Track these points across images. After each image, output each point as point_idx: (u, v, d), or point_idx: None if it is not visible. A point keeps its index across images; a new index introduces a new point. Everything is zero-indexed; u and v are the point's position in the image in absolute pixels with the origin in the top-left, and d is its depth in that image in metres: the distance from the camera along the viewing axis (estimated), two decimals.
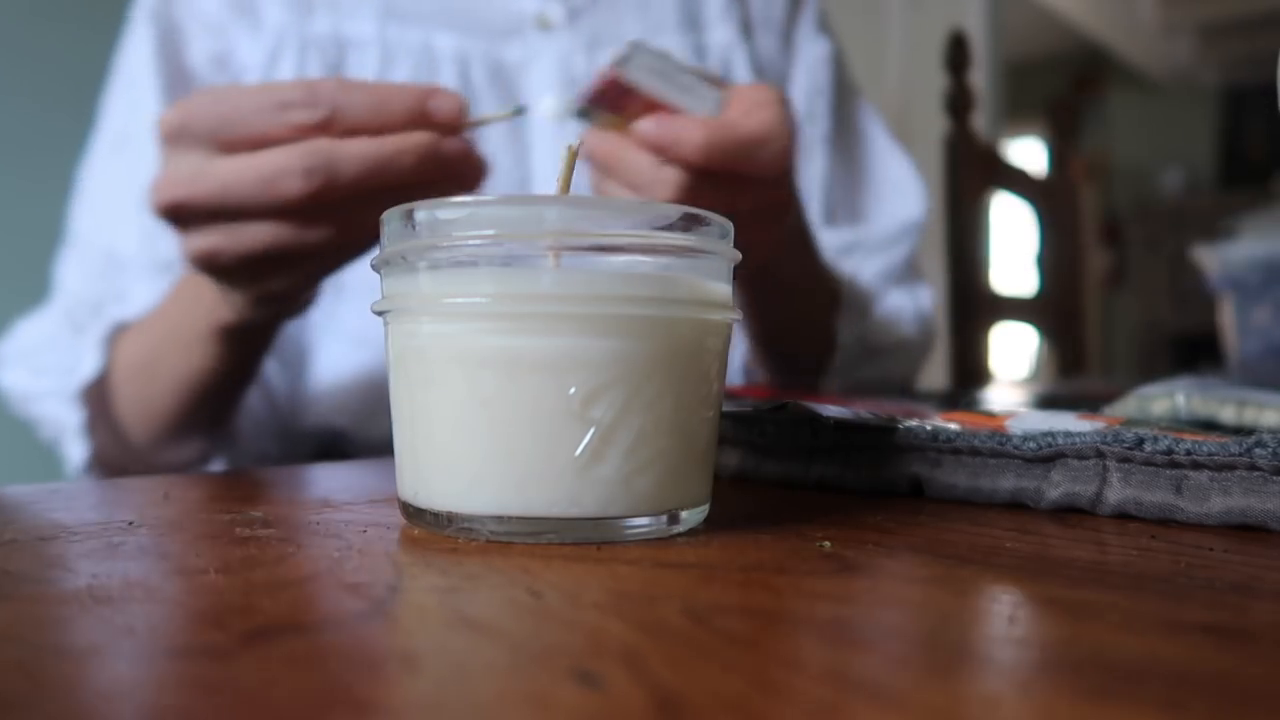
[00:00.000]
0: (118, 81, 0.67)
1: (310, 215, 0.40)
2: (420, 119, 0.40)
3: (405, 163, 0.39)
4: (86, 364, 0.58)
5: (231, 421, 0.59)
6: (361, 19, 0.65)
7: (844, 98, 0.80)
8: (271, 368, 0.65)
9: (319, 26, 0.65)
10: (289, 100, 0.39)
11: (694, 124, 0.41)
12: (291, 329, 0.66)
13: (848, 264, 0.73)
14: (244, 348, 0.52)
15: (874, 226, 0.76)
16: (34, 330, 0.63)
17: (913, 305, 0.75)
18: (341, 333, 0.65)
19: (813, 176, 0.76)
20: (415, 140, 0.40)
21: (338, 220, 0.40)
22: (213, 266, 0.42)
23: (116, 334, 0.58)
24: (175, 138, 0.40)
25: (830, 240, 0.73)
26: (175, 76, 0.64)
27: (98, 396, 0.58)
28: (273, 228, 0.40)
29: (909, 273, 0.77)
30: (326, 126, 0.39)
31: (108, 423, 0.59)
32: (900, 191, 0.79)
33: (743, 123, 0.42)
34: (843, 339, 0.69)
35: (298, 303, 0.48)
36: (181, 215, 0.40)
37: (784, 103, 0.43)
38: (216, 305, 0.48)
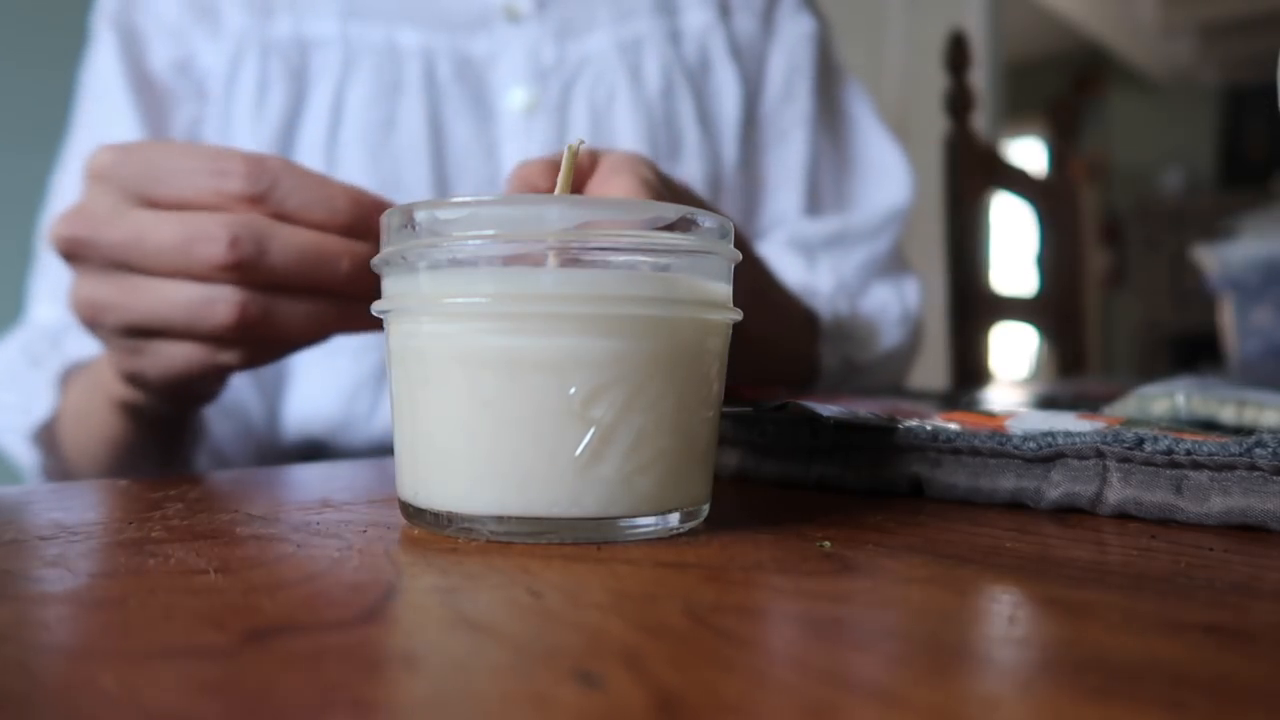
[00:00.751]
0: (86, 93, 0.66)
1: (219, 294, 0.36)
2: (363, 226, 0.37)
3: (341, 268, 0.37)
4: (40, 404, 0.55)
5: (185, 463, 0.55)
6: (322, 18, 0.64)
7: (828, 78, 0.77)
8: (250, 397, 0.63)
9: (280, 28, 0.63)
10: (228, 168, 0.36)
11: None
12: None
13: (832, 256, 0.71)
14: (151, 429, 0.48)
15: (858, 214, 0.74)
16: None
17: (899, 303, 0.73)
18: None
19: (792, 159, 0.74)
20: (360, 248, 0.37)
21: (248, 308, 0.36)
22: (95, 322, 0.38)
23: (69, 373, 0.55)
24: (101, 178, 0.37)
25: (814, 231, 0.71)
26: (142, 83, 0.63)
27: (49, 438, 0.56)
28: (172, 297, 0.36)
29: (894, 263, 0.75)
30: (260, 201, 0.36)
31: (60, 463, 0.57)
32: (887, 176, 0.76)
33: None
34: (826, 363, 0.67)
35: (189, 398, 0.43)
36: (80, 254, 0.37)
37: (643, 178, 0.36)
38: (113, 377, 0.44)
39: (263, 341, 0.39)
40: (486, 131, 0.65)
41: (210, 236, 0.35)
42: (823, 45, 0.77)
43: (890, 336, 0.72)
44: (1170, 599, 0.20)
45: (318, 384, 0.63)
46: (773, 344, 0.60)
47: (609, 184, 0.36)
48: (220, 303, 0.36)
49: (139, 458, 0.51)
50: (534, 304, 0.25)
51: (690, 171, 0.68)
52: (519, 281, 0.25)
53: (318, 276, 0.37)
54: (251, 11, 0.64)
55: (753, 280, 0.53)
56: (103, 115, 0.63)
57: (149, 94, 0.63)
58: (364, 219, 0.37)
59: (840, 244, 0.72)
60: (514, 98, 0.66)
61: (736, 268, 0.29)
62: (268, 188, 0.36)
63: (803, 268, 0.70)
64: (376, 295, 0.29)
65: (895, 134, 0.80)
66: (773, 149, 0.75)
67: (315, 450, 0.64)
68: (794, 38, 0.75)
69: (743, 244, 0.52)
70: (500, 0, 0.67)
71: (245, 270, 0.36)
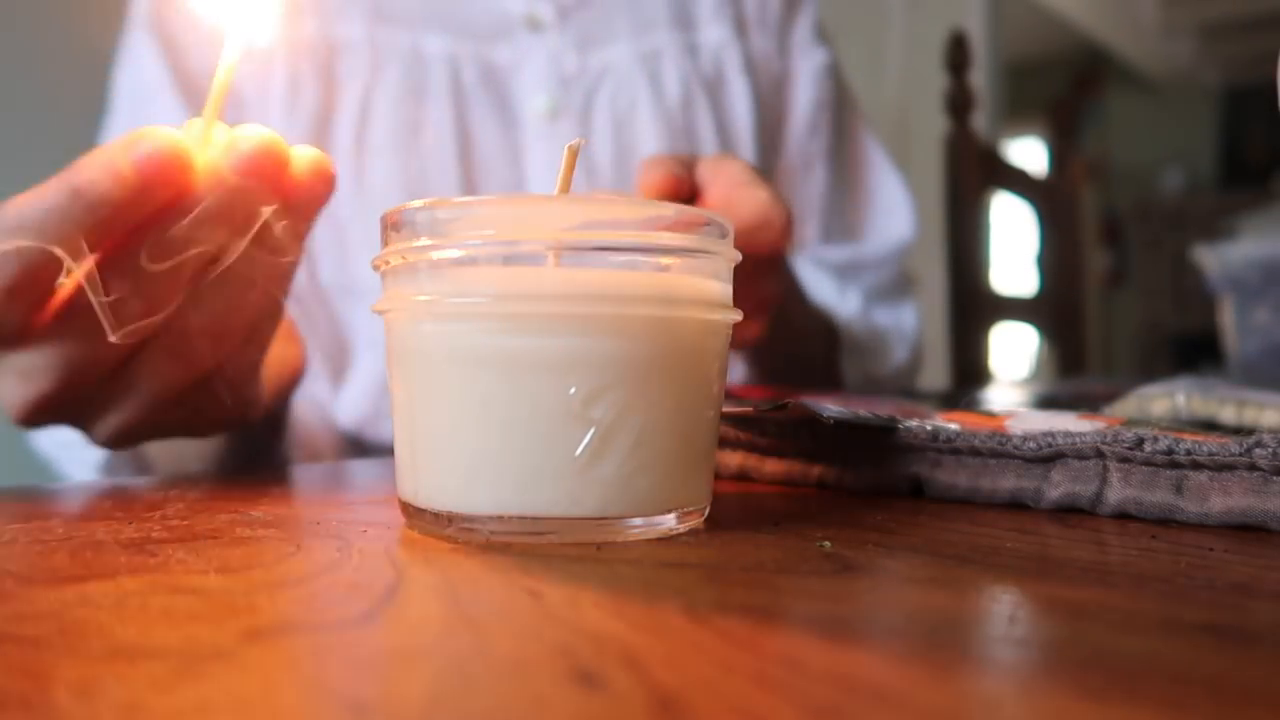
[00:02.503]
0: (128, 98, 0.65)
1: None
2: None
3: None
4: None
5: (277, 454, 0.52)
6: (349, 22, 0.64)
7: (845, 111, 0.81)
8: (323, 388, 0.64)
9: (307, 30, 0.64)
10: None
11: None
12: (334, 337, 0.65)
13: (845, 283, 0.75)
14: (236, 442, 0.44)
15: (869, 245, 0.78)
16: None
17: (902, 323, 0.77)
18: (355, 337, 0.65)
19: (813, 191, 0.77)
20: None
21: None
22: None
23: None
24: None
25: (830, 256, 0.75)
26: (187, 85, 0.63)
27: (123, 459, 0.53)
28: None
29: (896, 289, 0.79)
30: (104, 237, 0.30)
31: (140, 466, 0.55)
32: (894, 210, 0.80)
33: (740, 206, 0.40)
34: (848, 378, 0.70)
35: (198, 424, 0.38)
36: None
37: (761, 177, 0.39)
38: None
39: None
40: (511, 136, 0.66)
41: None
42: (838, 77, 0.80)
43: (899, 353, 0.76)
44: (1170, 599, 0.20)
45: (353, 379, 0.64)
46: (801, 348, 0.63)
47: (740, 199, 0.37)
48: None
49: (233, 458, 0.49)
50: (534, 304, 0.25)
51: None
52: (519, 281, 0.25)
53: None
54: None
55: (789, 282, 0.55)
56: (150, 117, 0.63)
57: (193, 97, 0.64)
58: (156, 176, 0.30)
59: (852, 270, 0.76)
60: (537, 104, 0.67)
61: (781, 266, 0.29)
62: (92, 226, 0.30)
63: (830, 289, 0.73)
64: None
65: (896, 135, 0.82)
66: (797, 180, 0.77)
67: (349, 443, 0.65)
68: (815, 70, 0.77)
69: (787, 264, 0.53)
70: (522, 10, 0.68)
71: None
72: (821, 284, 0.72)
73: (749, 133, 0.73)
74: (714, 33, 0.73)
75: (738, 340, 0.49)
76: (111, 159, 0.29)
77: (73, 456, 0.57)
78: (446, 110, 0.65)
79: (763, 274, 0.44)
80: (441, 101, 0.65)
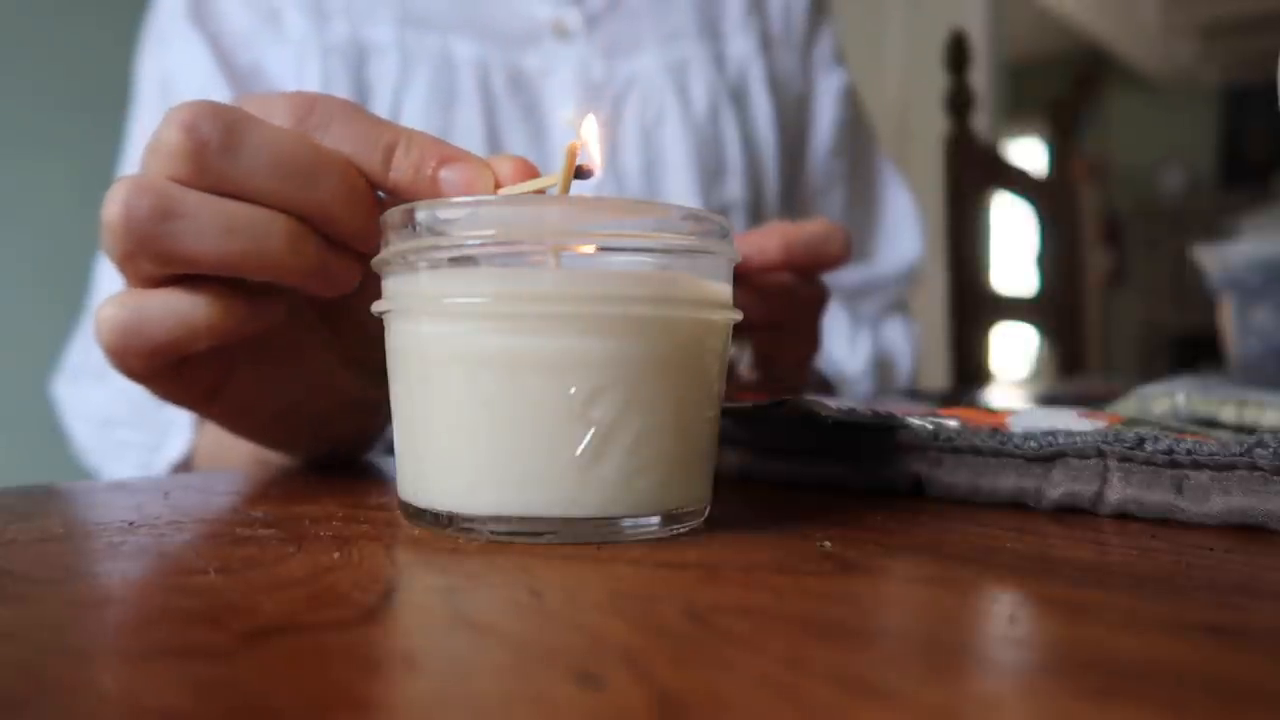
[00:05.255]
0: (155, 90, 0.64)
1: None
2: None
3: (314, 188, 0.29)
4: (173, 445, 0.54)
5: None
6: (379, 25, 0.64)
7: (863, 133, 0.82)
8: None
9: (337, 33, 0.64)
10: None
11: (764, 232, 0.43)
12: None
13: (859, 302, 0.77)
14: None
15: (880, 266, 0.80)
16: (105, 397, 0.59)
17: (903, 342, 0.79)
18: None
19: (834, 212, 0.78)
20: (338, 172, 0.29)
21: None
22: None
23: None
24: None
25: (844, 280, 0.76)
26: (238, 85, 0.63)
27: (184, 469, 0.55)
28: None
29: (899, 306, 0.81)
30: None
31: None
32: (905, 232, 0.81)
33: (805, 224, 0.45)
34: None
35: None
36: None
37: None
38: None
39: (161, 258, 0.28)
40: (540, 144, 0.66)
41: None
42: (855, 98, 0.81)
43: (904, 369, 0.78)
44: (1170, 599, 0.20)
45: None
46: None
47: (803, 221, 0.43)
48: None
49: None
50: (534, 304, 0.25)
51: (733, 193, 0.71)
52: (519, 281, 0.25)
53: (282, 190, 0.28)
54: (309, 16, 0.64)
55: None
56: None
57: (241, 92, 0.63)
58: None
59: (865, 293, 0.78)
60: (566, 112, 0.67)
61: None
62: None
63: (842, 337, 0.75)
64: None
65: (895, 136, 0.84)
66: (818, 201, 0.79)
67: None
68: (837, 91, 0.79)
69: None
70: (549, 17, 0.68)
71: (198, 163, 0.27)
72: (835, 326, 0.74)
73: (772, 148, 0.74)
74: (740, 45, 0.73)
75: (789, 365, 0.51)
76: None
77: (114, 439, 0.57)
78: (476, 116, 0.64)
79: (818, 312, 0.49)
80: (471, 107, 0.64)
